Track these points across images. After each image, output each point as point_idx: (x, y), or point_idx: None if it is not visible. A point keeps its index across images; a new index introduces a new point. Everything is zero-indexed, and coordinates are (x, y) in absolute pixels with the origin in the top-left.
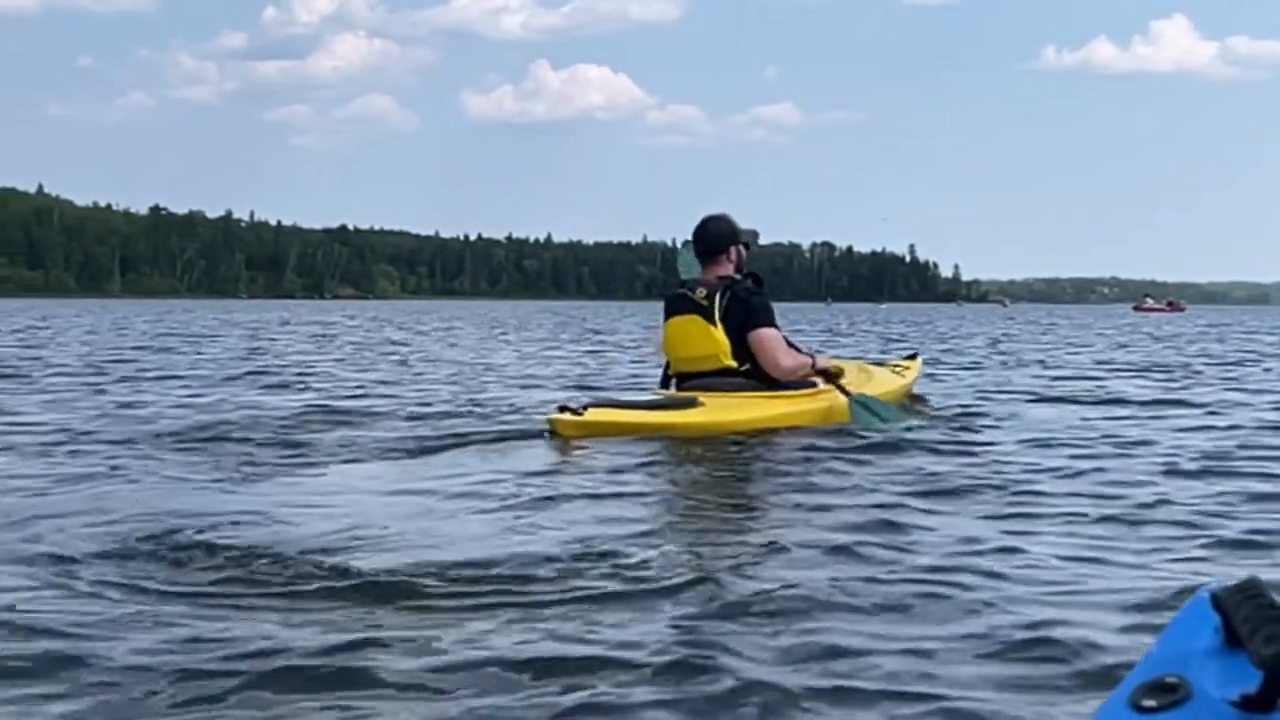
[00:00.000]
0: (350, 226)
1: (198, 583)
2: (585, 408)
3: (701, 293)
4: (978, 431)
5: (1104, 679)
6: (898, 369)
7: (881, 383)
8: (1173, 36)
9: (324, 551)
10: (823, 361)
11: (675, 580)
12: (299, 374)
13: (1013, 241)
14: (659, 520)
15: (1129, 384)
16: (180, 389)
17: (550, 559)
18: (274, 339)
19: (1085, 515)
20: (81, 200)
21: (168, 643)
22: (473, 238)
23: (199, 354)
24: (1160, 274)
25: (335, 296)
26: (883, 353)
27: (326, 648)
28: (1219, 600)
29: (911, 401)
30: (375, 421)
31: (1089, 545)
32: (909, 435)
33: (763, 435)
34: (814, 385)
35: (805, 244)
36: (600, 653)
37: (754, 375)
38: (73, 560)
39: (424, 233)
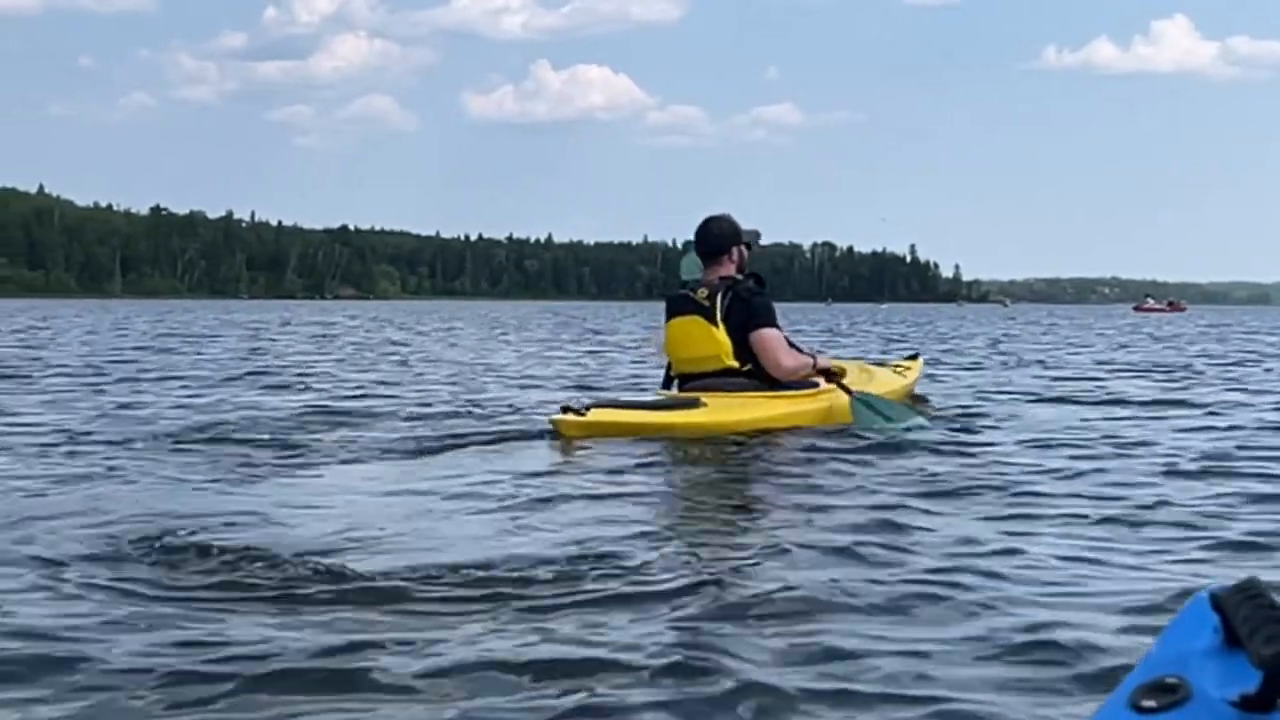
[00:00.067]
0: (351, 227)
1: (194, 584)
2: (588, 408)
3: (703, 293)
4: (978, 432)
5: (1103, 680)
6: (899, 369)
7: (883, 383)
8: (1174, 37)
9: (322, 553)
10: (824, 361)
11: (675, 582)
12: (299, 374)
13: (1013, 241)
14: (659, 521)
15: (1129, 384)
16: (180, 389)
17: (550, 560)
18: (274, 339)
19: (1085, 516)
20: (82, 200)
21: (163, 644)
22: (473, 238)
23: (199, 354)
24: (1161, 274)
25: (336, 297)
26: (883, 353)
27: (324, 649)
28: (1218, 600)
29: (913, 402)
30: (375, 422)
31: (1089, 546)
32: (910, 435)
33: (764, 435)
34: (815, 385)
35: (806, 244)
36: (600, 654)
37: (756, 375)
38: (67, 562)
39: (425, 233)
